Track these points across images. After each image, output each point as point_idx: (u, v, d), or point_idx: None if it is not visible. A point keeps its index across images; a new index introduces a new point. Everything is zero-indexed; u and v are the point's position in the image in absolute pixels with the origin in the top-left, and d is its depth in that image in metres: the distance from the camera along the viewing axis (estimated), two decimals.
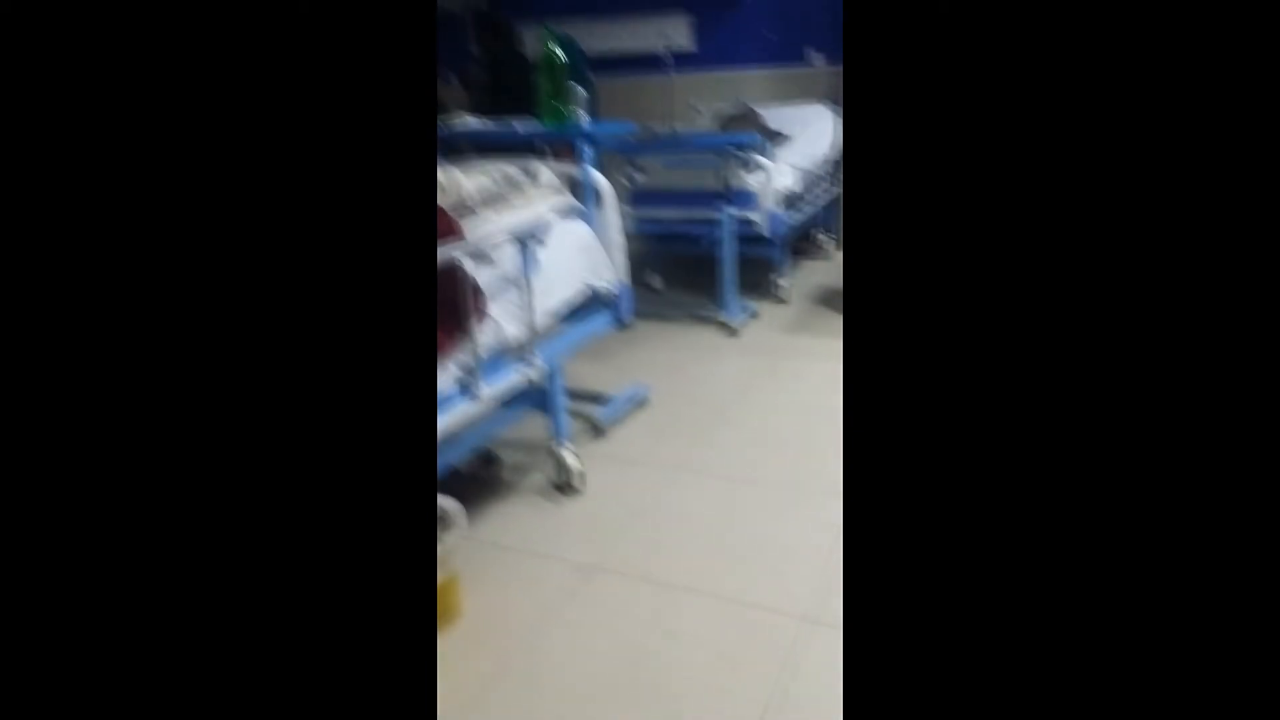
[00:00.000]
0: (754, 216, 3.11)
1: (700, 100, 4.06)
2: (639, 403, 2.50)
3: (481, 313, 1.55)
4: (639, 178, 3.36)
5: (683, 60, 4.36)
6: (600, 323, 2.03)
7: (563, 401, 2.00)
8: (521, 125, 2.14)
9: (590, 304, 1.99)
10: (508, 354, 1.70)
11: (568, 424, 2.03)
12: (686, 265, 3.63)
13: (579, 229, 1.92)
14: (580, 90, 1.98)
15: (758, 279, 3.46)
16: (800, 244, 4.04)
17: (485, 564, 1.71)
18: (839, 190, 3.92)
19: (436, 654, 1.28)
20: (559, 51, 1.98)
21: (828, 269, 3.94)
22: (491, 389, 1.62)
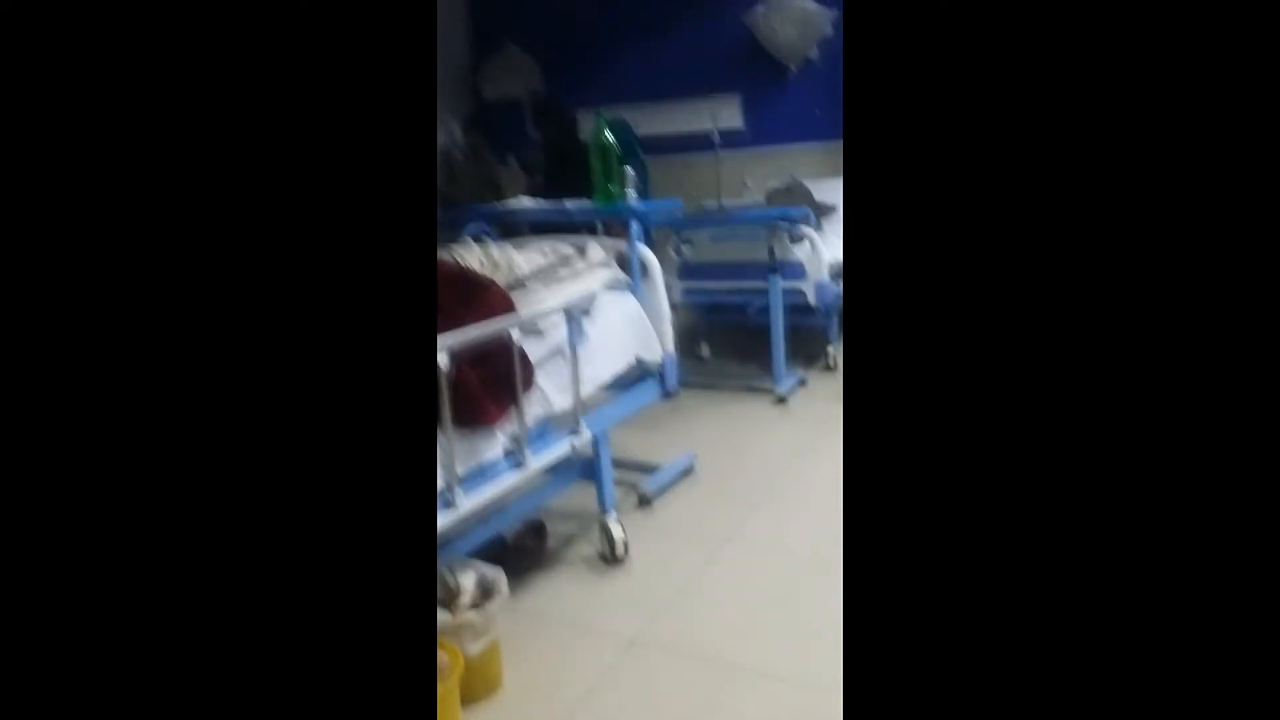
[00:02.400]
0: (802, 287, 3.14)
1: (750, 176, 4.17)
2: (686, 473, 2.49)
3: (529, 383, 1.60)
4: (687, 251, 3.44)
5: (733, 138, 4.49)
6: (647, 393, 2.06)
7: (609, 471, 2.02)
8: (573, 205, 2.24)
9: (638, 374, 2.03)
10: (555, 424, 1.74)
11: (614, 494, 2.04)
12: (735, 335, 3.66)
13: (626, 302, 1.98)
14: (631, 172, 2.07)
15: (806, 348, 3.46)
16: None
17: (527, 635, 1.70)
18: None
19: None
20: (611, 137, 2.09)
21: None
22: (538, 458, 1.65)
